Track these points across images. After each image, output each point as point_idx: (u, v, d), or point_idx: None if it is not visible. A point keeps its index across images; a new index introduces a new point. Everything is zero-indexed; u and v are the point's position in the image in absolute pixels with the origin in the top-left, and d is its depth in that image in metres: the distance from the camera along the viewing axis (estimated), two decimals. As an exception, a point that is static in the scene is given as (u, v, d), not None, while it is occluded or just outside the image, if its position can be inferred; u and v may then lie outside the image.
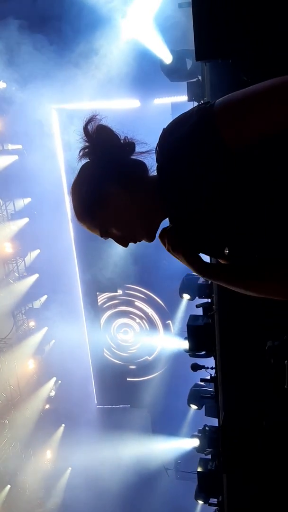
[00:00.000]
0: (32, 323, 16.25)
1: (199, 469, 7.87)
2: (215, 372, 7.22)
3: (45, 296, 16.19)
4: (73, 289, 16.14)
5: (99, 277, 14.88)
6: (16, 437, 14.69)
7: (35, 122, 12.12)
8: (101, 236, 1.39)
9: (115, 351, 17.05)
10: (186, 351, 7.99)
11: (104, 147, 1.35)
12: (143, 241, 1.42)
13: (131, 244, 1.42)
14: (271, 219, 1.25)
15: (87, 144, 1.36)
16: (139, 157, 1.40)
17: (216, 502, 8.14)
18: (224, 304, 6.07)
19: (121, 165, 1.35)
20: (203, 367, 7.95)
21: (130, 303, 16.40)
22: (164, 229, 1.41)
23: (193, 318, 7.74)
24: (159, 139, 1.33)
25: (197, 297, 8.65)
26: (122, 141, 1.37)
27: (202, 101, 7.12)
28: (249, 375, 5.59)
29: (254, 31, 4.51)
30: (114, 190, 1.33)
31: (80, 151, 1.37)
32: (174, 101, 11.48)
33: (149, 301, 16.11)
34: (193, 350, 7.71)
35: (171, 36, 8.31)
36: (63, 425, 17.26)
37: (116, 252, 13.87)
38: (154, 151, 1.37)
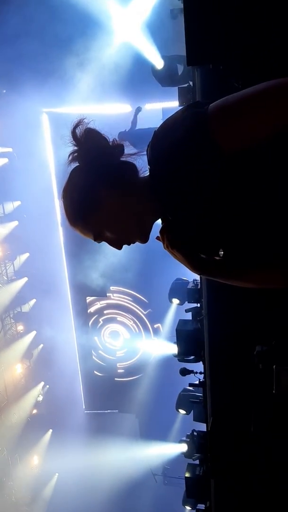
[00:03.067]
0: (20, 327, 16.17)
1: (187, 475, 7.84)
2: (204, 377, 7.21)
3: (34, 300, 16.12)
4: (62, 293, 16.06)
5: (88, 281, 14.83)
6: (3, 442, 14.56)
7: (26, 125, 12.09)
8: (95, 240, 1.39)
9: (103, 355, 16.99)
10: (174, 355, 7.97)
11: (93, 150, 1.35)
12: (136, 245, 1.42)
13: (122, 248, 1.42)
14: (265, 222, 1.26)
15: (76, 148, 1.36)
16: (129, 159, 1.40)
17: (203, 508, 8.11)
18: (213, 309, 6.07)
19: (111, 168, 1.35)
20: (191, 372, 7.94)
21: (120, 308, 16.37)
22: (164, 226, 1.42)
23: (182, 323, 7.74)
24: (151, 142, 1.33)
25: (186, 302, 8.65)
26: (110, 144, 1.38)
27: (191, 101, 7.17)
28: (238, 380, 5.59)
29: (245, 37, 4.54)
30: (105, 193, 1.33)
31: (69, 155, 1.37)
32: (165, 107, 11.52)
33: (138, 306, 16.09)
34: (182, 355, 7.70)
35: (162, 41, 8.34)
36: (51, 430, 17.15)
37: (106, 257, 13.83)
38: (144, 153, 1.38)
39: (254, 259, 1.34)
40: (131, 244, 1.42)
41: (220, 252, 1.38)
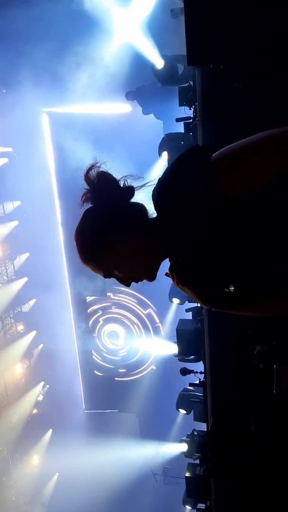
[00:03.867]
0: (20, 327, 16.17)
1: (187, 474, 7.84)
2: (204, 377, 7.21)
3: (34, 300, 16.12)
4: (62, 293, 16.06)
5: (88, 281, 14.83)
6: (3, 442, 14.57)
7: (26, 125, 12.09)
8: (105, 277, 1.47)
9: (104, 354, 17.00)
10: (175, 355, 7.98)
11: (105, 193, 1.43)
12: None
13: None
14: (270, 258, 1.33)
15: (88, 190, 1.43)
16: (138, 194, 1.47)
17: (204, 508, 8.11)
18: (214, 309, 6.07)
19: (122, 209, 1.43)
20: (192, 371, 7.95)
21: (120, 307, 16.38)
22: (172, 264, 1.50)
23: (182, 323, 7.75)
24: (156, 187, 1.41)
25: (186, 302, 8.66)
26: (122, 186, 1.45)
27: (193, 106, 7.14)
28: (238, 380, 5.59)
29: (245, 37, 4.54)
30: (116, 234, 1.40)
31: (82, 196, 1.44)
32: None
33: (138, 305, 16.09)
34: (182, 355, 7.72)
35: (163, 41, 8.34)
36: (51, 429, 17.16)
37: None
38: (151, 184, 1.45)
39: (263, 291, 1.40)
40: (139, 282, 1.50)
41: (230, 288, 1.45)
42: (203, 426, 8.45)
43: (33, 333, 16.17)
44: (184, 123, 7.54)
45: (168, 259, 1.51)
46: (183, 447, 8.56)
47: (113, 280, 1.48)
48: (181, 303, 9.10)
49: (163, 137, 8.32)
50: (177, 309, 12.92)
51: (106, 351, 16.94)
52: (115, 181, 1.45)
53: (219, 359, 6.15)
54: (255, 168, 1.21)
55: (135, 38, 8.61)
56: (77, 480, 15.74)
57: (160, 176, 1.40)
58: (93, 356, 17.07)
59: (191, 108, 7.44)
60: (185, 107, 7.53)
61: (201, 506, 8.17)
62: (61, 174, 13.82)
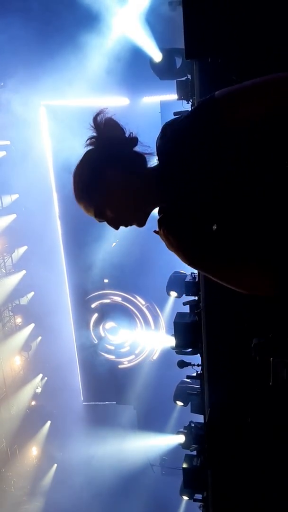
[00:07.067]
0: (18, 320, 16.19)
1: (185, 465, 7.91)
2: (201, 369, 7.26)
3: (32, 293, 16.13)
4: (60, 286, 16.09)
5: (87, 274, 14.85)
6: (2, 433, 14.64)
7: (24, 118, 12.04)
8: (96, 217, 1.48)
9: (102, 346, 17.03)
10: (172, 348, 8.02)
11: (109, 137, 1.46)
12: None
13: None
14: (261, 209, 1.37)
15: (94, 134, 1.46)
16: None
17: (201, 498, 8.20)
18: (211, 302, 6.11)
19: (122, 154, 1.45)
20: (189, 364, 8.00)
21: (118, 300, 16.39)
22: (160, 218, 1.50)
23: (180, 316, 7.77)
24: (160, 133, 1.46)
25: (184, 295, 8.68)
26: (127, 136, 1.48)
27: (191, 99, 7.12)
28: (235, 372, 5.64)
29: (244, 30, 4.54)
30: (113, 173, 1.43)
31: (87, 140, 1.47)
32: (164, 99, 11.48)
33: (136, 298, 16.10)
34: (180, 347, 7.75)
35: (161, 34, 8.32)
36: (49, 421, 17.23)
37: (104, 249, 13.85)
38: (155, 152, 1.48)
39: (245, 248, 1.43)
40: (128, 226, 1.51)
41: (213, 227, 1.46)
42: (200, 418, 8.52)
43: (32, 325, 16.20)
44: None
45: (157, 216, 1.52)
46: (181, 438, 8.63)
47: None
48: (179, 296, 9.12)
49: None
50: (175, 303, 12.95)
51: (104, 343, 16.97)
52: (121, 129, 1.48)
53: (216, 352, 6.18)
54: (257, 103, 1.29)
55: (133, 31, 8.58)
56: (75, 471, 15.85)
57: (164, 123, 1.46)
58: (91, 348, 17.09)
59: (189, 102, 7.43)
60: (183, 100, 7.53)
61: (198, 496, 8.25)
62: (59, 167, 13.78)
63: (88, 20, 8.96)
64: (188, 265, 1.51)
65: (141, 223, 1.49)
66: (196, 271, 7.58)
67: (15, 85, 10.41)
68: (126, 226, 1.50)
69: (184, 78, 7.84)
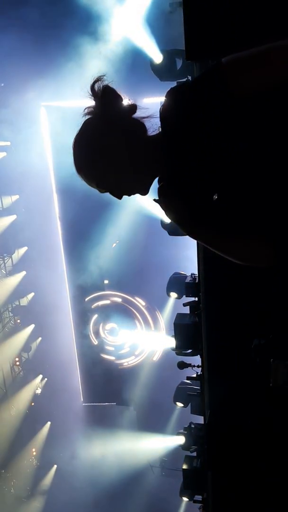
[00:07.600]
0: (18, 321, 16.19)
1: (184, 467, 7.89)
2: (201, 370, 7.25)
3: (32, 294, 16.13)
4: (60, 286, 16.08)
5: (87, 275, 14.85)
6: (1, 434, 14.63)
7: (24, 119, 12.05)
8: (97, 187, 1.45)
9: (101, 347, 17.02)
10: (172, 349, 8.01)
11: (107, 105, 1.43)
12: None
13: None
14: (265, 170, 1.34)
15: (92, 102, 1.45)
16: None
17: (200, 499, 8.18)
18: (211, 303, 6.10)
19: (122, 121, 1.42)
20: (189, 365, 7.98)
21: (118, 301, 16.39)
22: (160, 187, 1.48)
23: (180, 317, 7.76)
24: (165, 97, 1.42)
25: (184, 296, 8.66)
26: (125, 102, 1.46)
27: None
28: (235, 373, 5.63)
29: (244, 31, 4.54)
30: (113, 141, 1.40)
31: (85, 109, 1.45)
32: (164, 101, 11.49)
33: (136, 299, 16.10)
34: (180, 348, 7.73)
35: (161, 35, 8.31)
36: (49, 422, 17.23)
37: (104, 250, 13.84)
38: (155, 116, 1.45)
39: (245, 218, 1.41)
40: (131, 195, 1.48)
41: (214, 197, 1.43)
42: (200, 419, 8.51)
43: (32, 326, 16.20)
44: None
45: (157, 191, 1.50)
46: (181, 439, 8.62)
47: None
48: (179, 297, 9.10)
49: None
50: (175, 304, 12.95)
51: (104, 344, 16.96)
52: (119, 96, 1.45)
53: (216, 353, 6.17)
54: (261, 69, 1.25)
55: (133, 32, 8.58)
56: (75, 472, 15.84)
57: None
58: (91, 349, 17.08)
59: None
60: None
61: (198, 497, 8.24)
62: (59, 168, 13.79)
63: (89, 21, 8.97)
64: (187, 234, 1.49)
65: (144, 190, 1.46)
66: (196, 272, 7.58)
67: (15, 86, 10.41)
68: (129, 195, 1.47)
69: (184, 79, 7.83)
